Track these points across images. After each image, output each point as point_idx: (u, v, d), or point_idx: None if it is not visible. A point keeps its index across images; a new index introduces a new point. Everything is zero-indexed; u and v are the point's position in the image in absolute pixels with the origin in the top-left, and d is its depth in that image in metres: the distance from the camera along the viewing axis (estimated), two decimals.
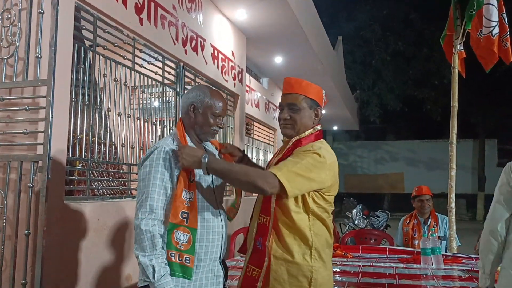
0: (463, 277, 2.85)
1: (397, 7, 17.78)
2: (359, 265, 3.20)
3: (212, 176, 1.93)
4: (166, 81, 4.23)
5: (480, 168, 18.97)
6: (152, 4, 3.89)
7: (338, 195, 2.05)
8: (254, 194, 2.68)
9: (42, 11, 2.64)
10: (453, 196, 4.21)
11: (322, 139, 1.99)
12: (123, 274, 3.28)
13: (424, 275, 2.90)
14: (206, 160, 1.74)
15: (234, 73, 6.02)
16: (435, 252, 3.20)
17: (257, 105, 8.05)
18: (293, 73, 4.33)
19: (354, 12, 18.77)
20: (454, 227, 4.11)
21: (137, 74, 3.73)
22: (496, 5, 4.06)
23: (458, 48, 4.38)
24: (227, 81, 5.74)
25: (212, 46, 5.23)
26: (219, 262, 1.95)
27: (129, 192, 3.57)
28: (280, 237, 1.85)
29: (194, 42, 4.75)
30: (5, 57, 2.71)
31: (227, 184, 2.06)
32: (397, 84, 17.96)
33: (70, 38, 2.86)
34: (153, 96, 4.24)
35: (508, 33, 4.05)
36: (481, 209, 18.12)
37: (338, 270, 3.04)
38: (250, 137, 7.83)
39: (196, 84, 4.86)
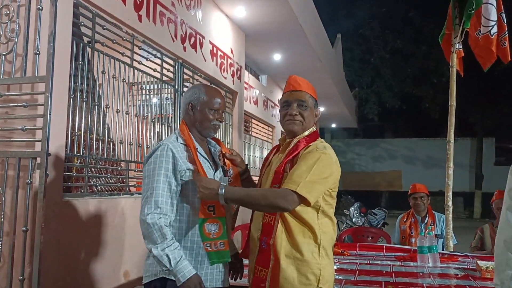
0: (459, 275, 2.86)
1: (396, 5, 17.78)
2: (356, 263, 3.21)
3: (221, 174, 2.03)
4: (164, 78, 4.23)
5: (477, 166, 19.03)
6: (151, 0, 3.89)
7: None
8: None
9: (40, 8, 2.64)
10: (450, 194, 4.23)
11: (320, 138, 2.01)
12: (121, 271, 3.29)
13: (421, 273, 2.91)
14: (223, 191, 1.75)
15: (233, 70, 6.02)
16: (432, 250, 3.20)
17: (256, 103, 8.04)
18: (291, 71, 4.33)
19: (353, 9, 18.78)
20: (451, 225, 4.13)
21: (136, 71, 3.73)
22: (495, 5, 4.07)
23: (457, 47, 4.40)
24: (225, 78, 5.74)
25: (211, 43, 5.23)
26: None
27: (127, 189, 3.58)
28: (290, 235, 1.85)
29: (193, 39, 4.74)
30: (4, 53, 2.70)
31: (230, 181, 2.08)
32: (396, 82, 17.99)
33: (69, 34, 2.87)
34: (151, 93, 4.23)
35: (507, 32, 4.07)
36: (478, 208, 18.20)
37: (335, 267, 3.03)
38: (249, 134, 7.84)
39: (195, 81, 4.86)
